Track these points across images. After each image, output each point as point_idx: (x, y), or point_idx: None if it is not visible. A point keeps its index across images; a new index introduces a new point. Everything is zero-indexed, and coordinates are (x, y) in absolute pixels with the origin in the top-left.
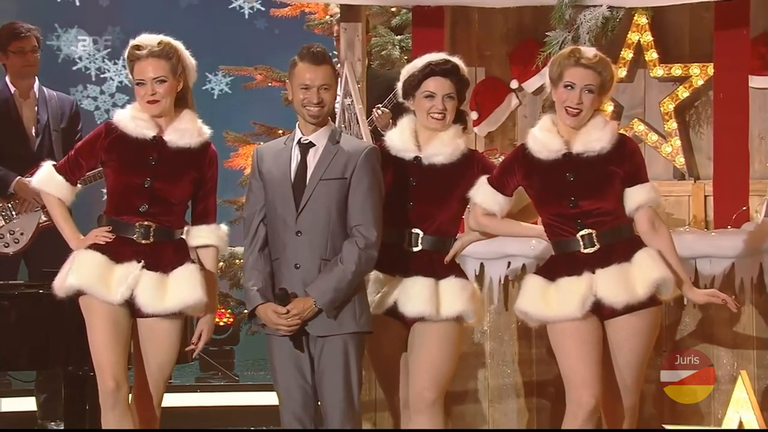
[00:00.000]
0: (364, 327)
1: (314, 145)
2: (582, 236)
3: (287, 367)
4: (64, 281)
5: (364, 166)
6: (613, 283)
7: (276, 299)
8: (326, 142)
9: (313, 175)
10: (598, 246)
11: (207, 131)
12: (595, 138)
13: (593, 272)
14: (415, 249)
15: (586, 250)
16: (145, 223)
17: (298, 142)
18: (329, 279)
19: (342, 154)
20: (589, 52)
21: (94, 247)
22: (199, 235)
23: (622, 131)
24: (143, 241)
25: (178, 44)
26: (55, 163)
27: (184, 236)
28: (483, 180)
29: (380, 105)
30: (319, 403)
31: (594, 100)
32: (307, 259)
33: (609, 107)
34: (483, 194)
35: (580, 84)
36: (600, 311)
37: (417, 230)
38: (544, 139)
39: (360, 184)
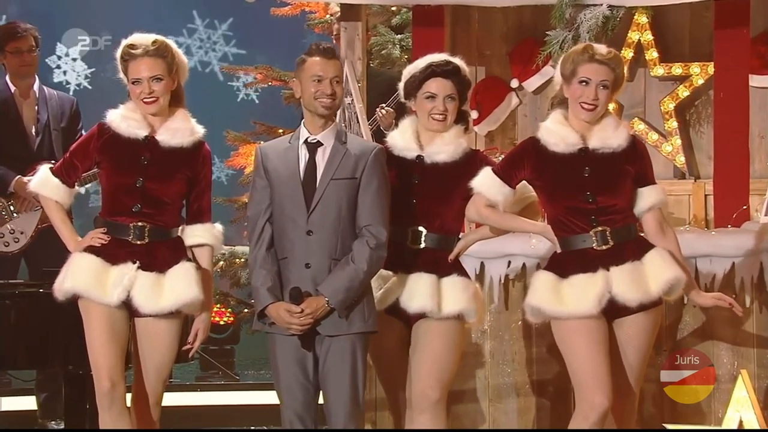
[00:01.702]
0: (372, 327)
1: (322, 144)
2: (596, 233)
3: (290, 365)
4: (62, 285)
5: (373, 167)
6: (629, 282)
7: (290, 298)
8: (334, 142)
9: (324, 175)
10: (611, 244)
11: (200, 130)
12: (612, 135)
13: (607, 270)
14: (419, 246)
15: (599, 248)
16: (140, 223)
17: (305, 141)
18: (341, 278)
19: (351, 154)
20: (602, 48)
21: (90, 249)
22: (193, 234)
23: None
24: (138, 242)
25: (172, 43)
26: (51, 166)
27: (180, 234)
28: (488, 170)
29: (384, 104)
30: (321, 402)
31: (608, 95)
32: (318, 258)
33: (610, 106)
34: (488, 184)
35: (595, 80)
36: (611, 309)
37: (420, 228)
38: (561, 133)
39: (370, 185)
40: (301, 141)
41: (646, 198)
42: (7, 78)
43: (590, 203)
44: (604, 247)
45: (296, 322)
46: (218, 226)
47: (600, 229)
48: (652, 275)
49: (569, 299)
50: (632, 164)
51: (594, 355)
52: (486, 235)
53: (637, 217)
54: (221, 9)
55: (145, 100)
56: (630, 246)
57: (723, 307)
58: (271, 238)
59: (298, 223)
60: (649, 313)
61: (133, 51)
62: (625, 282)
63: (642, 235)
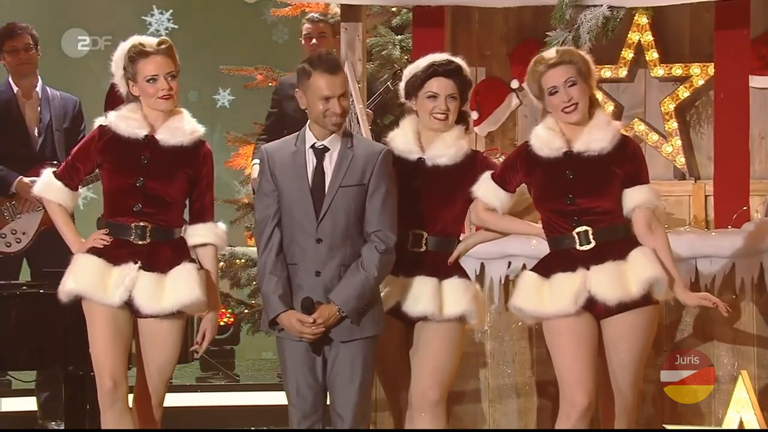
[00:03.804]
0: (380, 330)
1: (329, 149)
2: (578, 233)
3: (300, 368)
4: (65, 286)
5: (381, 171)
6: (607, 280)
7: (302, 308)
8: (341, 146)
9: (332, 182)
10: (593, 243)
11: (200, 129)
12: (596, 138)
13: (588, 269)
14: (420, 249)
15: (581, 247)
16: (141, 223)
17: (312, 146)
18: (353, 286)
19: (358, 159)
20: (550, 52)
21: (93, 250)
22: (196, 234)
23: (623, 132)
24: (140, 242)
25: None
26: (54, 170)
27: (183, 235)
28: (486, 175)
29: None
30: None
31: (582, 89)
32: (329, 266)
33: (610, 107)
34: (485, 189)
35: (560, 82)
36: (594, 309)
37: (421, 231)
38: (545, 137)
39: (378, 190)
40: (308, 146)
41: (633, 198)
42: (10, 79)
43: (570, 205)
44: (586, 247)
45: (308, 332)
46: (221, 225)
47: (582, 229)
48: (633, 274)
49: (549, 299)
50: (620, 166)
51: (577, 354)
52: (486, 238)
53: (628, 218)
54: None
55: (163, 96)
56: (617, 245)
57: (712, 307)
58: (280, 243)
59: (308, 230)
60: (638, 313)
61: (144, 49)
62: (603, 281)
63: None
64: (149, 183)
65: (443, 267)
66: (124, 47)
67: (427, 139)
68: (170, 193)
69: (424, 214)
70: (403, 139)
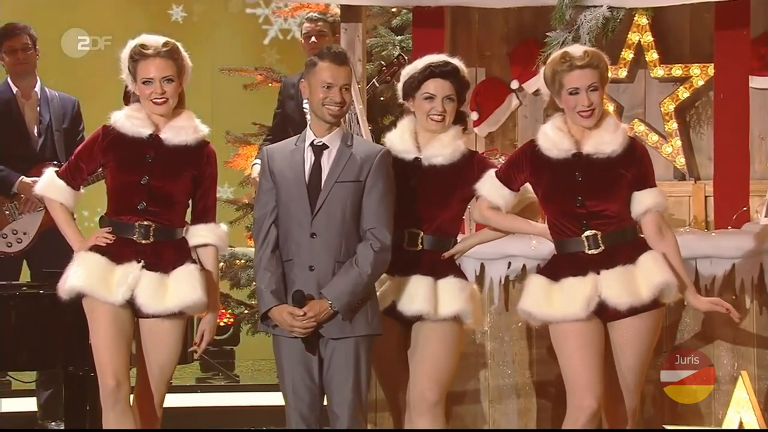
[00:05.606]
0: (376, 329)
1: (327, 147)
2: (587, 237)
3: (296, 367)
4: (66, 283)
5: (378, 170)
6: (618, 285)
7: (293, 301)
8: (339, 144)
9: (329, 177)
10: (602, 247)
11: (204, 129)
12: (606, 140)
13: (598, 273)
14: (416, 249)
15: (590, 251)
16: (145, 222)
17: (311, 143)
18: (346, 282)
19: (356, 157)
20: (578, 51)
21: (95, 248)
22: (197, 235)
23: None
24: (143, 241)
25: (180, 45)
26: (57, 169)
27: (185, 235)
28: (491, 173)
29: None
30: (325, 403)
31: (601, 95)
32: (322, 260)
33: (610, 107)
34: (489, 187)
35: (583, 86)
36: (603, 313)
37: (417, 230)
38: (554, 138)
39: (375, 188)
40: (307, 143)
41: (643, 201)
42: (9, 79)
43: (580, 208)
44: (595, 251)
45: (299, 325)
46: (223, 227)
47: (591, 233)
48: (643, 279)
49: (559, 303)
50: (628, 168)
51: (585, 358)
52: (485, 239)
53: (635, 220)
54: None
55: (155, 100)
56: (625, 249)
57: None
58: (276, 239)
59: (303, 225)
60: (646, 317)
61: (144, 51)
62: (614, 285)
63: (643, 237)
64: (154, 182)
65: (439, 266)
66: (129, 46)
67: (424, 140)
68: (175, 192)
69: (421, 213)
70: (399, 140)
